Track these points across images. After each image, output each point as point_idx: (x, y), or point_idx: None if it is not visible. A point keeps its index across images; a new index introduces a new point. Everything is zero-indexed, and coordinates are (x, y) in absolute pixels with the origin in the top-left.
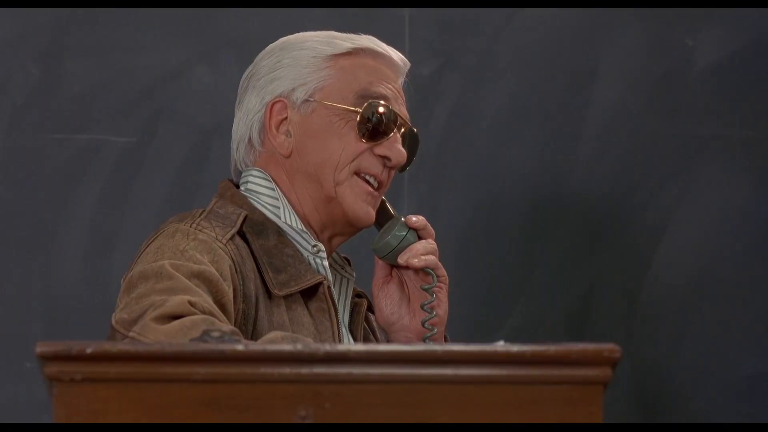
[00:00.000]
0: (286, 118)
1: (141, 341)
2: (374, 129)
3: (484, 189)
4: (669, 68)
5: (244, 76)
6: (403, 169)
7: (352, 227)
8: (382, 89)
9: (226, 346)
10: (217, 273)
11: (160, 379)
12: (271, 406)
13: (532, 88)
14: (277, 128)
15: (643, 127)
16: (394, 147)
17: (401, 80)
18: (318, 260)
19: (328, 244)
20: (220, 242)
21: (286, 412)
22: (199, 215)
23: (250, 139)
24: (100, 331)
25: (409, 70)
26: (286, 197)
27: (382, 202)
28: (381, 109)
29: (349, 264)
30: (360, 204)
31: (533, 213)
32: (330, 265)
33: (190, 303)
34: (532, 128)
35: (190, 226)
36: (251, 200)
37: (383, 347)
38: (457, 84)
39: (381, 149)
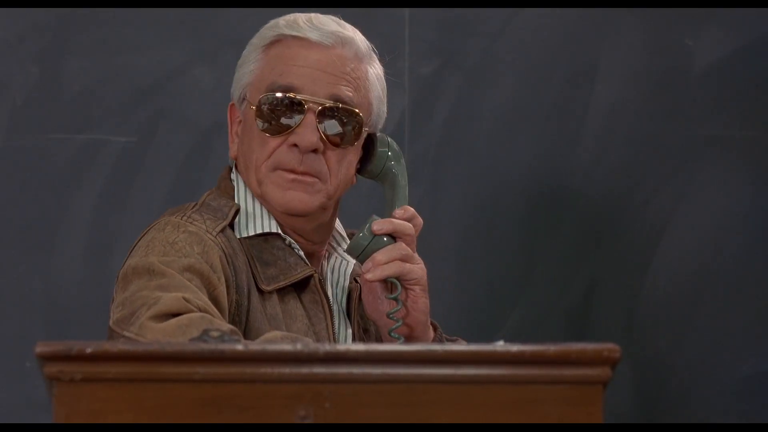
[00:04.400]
0: (239, 120)
1: (139, 341)
2: (274, 122)
3: (483, 189)
4: (669, 68)
5: None
6: (345, 145)
7: (294, 218)
8: (292, 77)
9: (226, 346)
10: (207, 265)
11: (159, 379)
12: (271, 406)
13: (532, 88)
14: (236, 132)
15: (642, 128)
16: (300, 133)
17: (337, 53)
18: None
19: (295, 234)
20: (210, 234)
21: (286, 412)
22: (191, 208)
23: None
24: (100, 331)
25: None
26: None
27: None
28: (275, 101)
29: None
30: (284, 194)
31: (533, 213)
32: (324, 251)
33: (185, 299)
34: (531, 128)
35: (181, 219)
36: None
37: (383, 347)
38: (456, 84)
39: (291, 138)
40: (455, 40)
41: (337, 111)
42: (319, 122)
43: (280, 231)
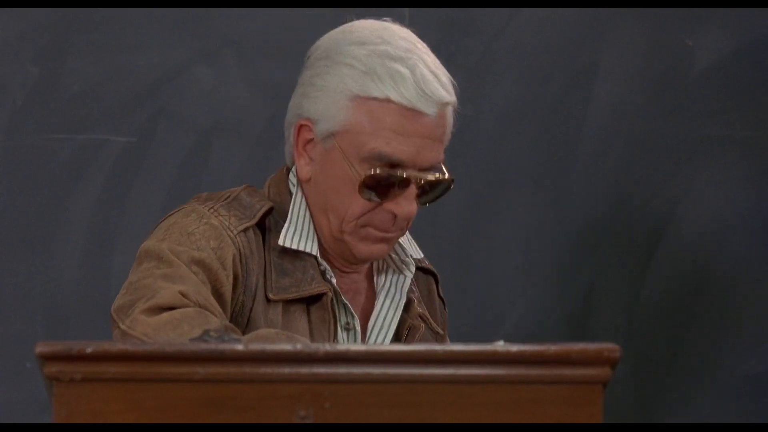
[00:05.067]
0: (312, 140)
1: (131, 334)
2: (378, 192)
3: (484, 188)
4: (669, 68)
5: (308, 55)
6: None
7: (363, 263)
8: (398, 150)
9: (226, 346)
10: (218, 261)
11: (159, 379)
12: (271, 406)
13: (532, 87)
14: (304, 147)
15: (642, 127)
16: (401, 204)
17: (440, 118)
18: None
19: (341, 260)
20: (231, 232)
21: (286, 412)
22: (223, 199)
23: (288, 137)
24: (100, 331)
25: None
26: (311, 215)
27: None
28: (384, 175)
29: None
30: (371, 247)
31: (533, 212)
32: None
33: (182, 294)
34: (531, 128)
35: (208, 210)
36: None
37: (383, 347)
38: (457, 83)
39: (389, 205)
40: (455, 40)
41: (431, 174)
42: (417, 194)
43: (318, 255)
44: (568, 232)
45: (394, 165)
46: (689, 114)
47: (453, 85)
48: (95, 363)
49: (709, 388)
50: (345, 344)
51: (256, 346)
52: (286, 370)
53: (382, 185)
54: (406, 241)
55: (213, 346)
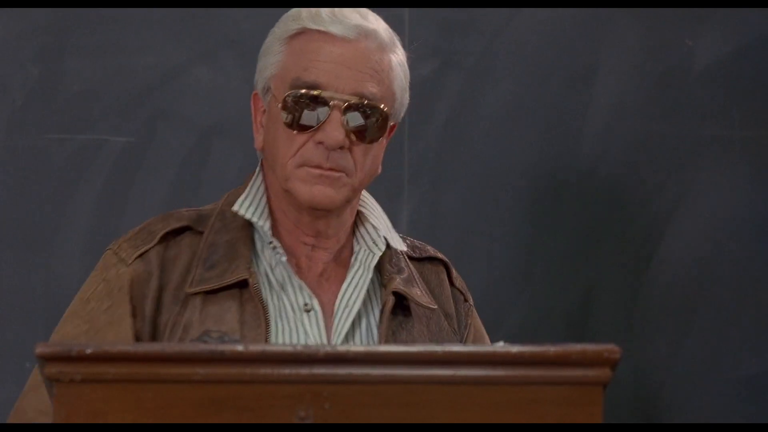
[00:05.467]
0: (263, 108)
1: None
2: (299, 119)
3: (484, 188)
4: (669, 68)
5: None
6: (371, 141)
7: (318, 211)
8: (316, 73)
9: (226, 347)
10: (107, 319)
11: (159, 379)
12: (271, 406)
13: (532, 87)
14: (260, 120)
15: (642, 127)
16: (326, 131)
17: (360, 47)
18: (275, 255)
19: (299, 231)
20: (125, 264)
21: (286, 412)
22: (135, 230)
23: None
24: None
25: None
26: (266, 189)
27: None
28: (300, 97)
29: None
30: (311, 189)
31: (533, 213)
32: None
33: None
34: (531, 128)
35: (114, 252)
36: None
37: (383, 348)
38: (456, 84)
39: (317, 135)
40: (455, 40)
41: (362, 107)
42: (344, 119)
43: (268, 228)
44: (568, 232)
45: (313, 89)
46: (689, 114)
47: (386, 30)
48: (95, 364)
49: (709, 389)
50: (345, 345)
51: (256, 347)
52: (286, 370)
53: (301, 108)
54: (385, 227)
55: (213, 346)
